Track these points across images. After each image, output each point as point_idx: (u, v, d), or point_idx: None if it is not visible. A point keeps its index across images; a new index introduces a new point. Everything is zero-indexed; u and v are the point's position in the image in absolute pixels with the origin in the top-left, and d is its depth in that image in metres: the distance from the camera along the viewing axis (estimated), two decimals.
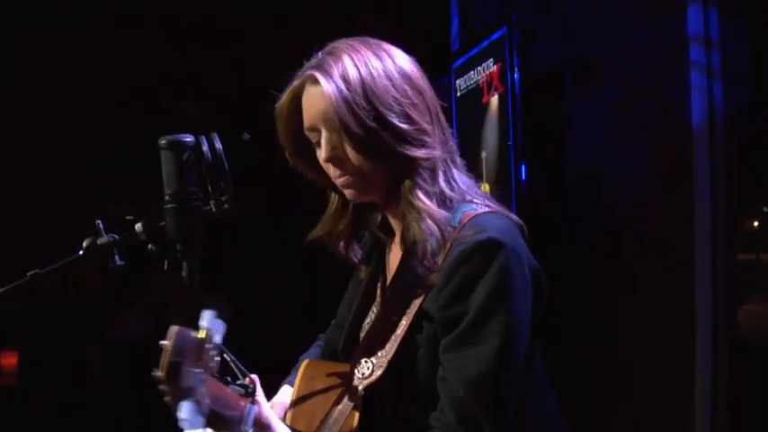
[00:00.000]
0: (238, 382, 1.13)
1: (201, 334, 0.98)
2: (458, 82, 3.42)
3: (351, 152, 1.20)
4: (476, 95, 3.18)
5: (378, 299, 1.37)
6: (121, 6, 5.09)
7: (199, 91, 5.48)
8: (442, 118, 1.27)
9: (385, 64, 1.21)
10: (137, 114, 5.50)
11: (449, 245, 1.15)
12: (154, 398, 0.94)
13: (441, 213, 1.17)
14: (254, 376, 1.17)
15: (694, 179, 2.57)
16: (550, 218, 2.94)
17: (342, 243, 1.38)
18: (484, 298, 1.10)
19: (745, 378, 2.55)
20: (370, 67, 1.19)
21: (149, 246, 1.08)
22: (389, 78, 1.20)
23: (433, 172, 1.21)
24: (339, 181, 1.25)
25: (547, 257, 1.30)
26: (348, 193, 1.26)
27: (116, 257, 1.07)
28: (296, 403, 1.33)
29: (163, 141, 1.07)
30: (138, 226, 1.08)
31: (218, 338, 1.01)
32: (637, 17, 2.73)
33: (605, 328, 2.92)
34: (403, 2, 5.20)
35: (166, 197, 1.07)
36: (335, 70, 1.18)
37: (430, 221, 1.16)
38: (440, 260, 1.15)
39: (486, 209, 1.21)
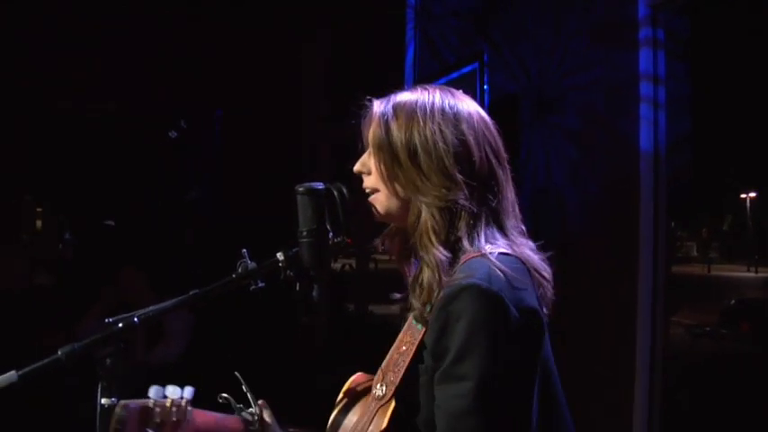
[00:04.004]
0: (249, 410, 1.36)
1: (147, 403, 1.24)
2: None
3: (375, 170, 1.35)
4: None
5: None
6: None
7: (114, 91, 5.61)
8: (497, 178, 1.35)
9: (443, 104, 1.32)
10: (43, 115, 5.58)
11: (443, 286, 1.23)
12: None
13: (445, 257, 1.25)
14: (261, 402, 1.40)
15: (640, 198, 2.91)
16: None
17: (399, 248, 1.46)
18: (462, 338, 1.17)
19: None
20: (426, 103, 1.32)
21: (287, 271, 1.30)
22: (441, 118, 1.30)
23: (454, 217, 1.28)
24: (370, 198, 1.38)
25: None
26: (373, 212, 1.39)
27: (258, 280, 1.30)
28: (336, 411, 1.48)
29: (300, 188, 1.32)
30: (279, 254, 1.31)
31: (180, 395, 1.27)
32: (594, 55, 3.07)
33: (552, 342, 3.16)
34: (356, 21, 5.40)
35: (304, 233, 1.30)
36: (393, 99, 1.35)
37: (434, 264, 1.25)
38: (435, 299, 1.24)
39: (480, 252, 1.25)
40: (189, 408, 1.27)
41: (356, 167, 1.39)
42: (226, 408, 1.36)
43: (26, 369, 1.20)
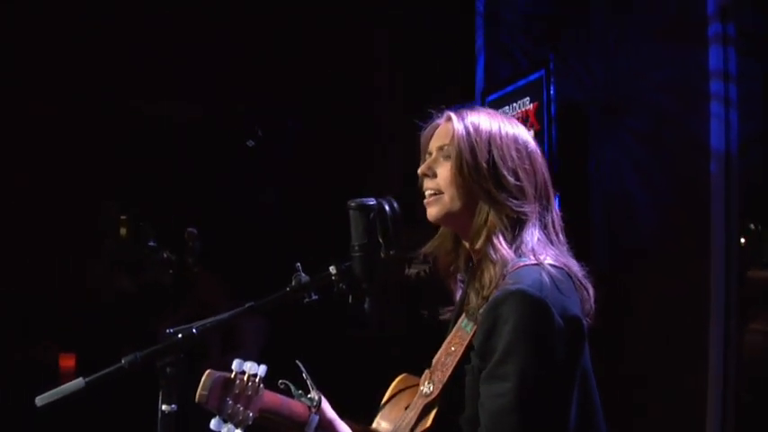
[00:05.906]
0: (309, 395, 1.45)
1: (229, 375, 1.36)
2: None
3: (446, 175, 1.43)
4: None
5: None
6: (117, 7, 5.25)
7: (198, 97, 5.71)
8: (551, 199, 1.46)
9: (515, 131, 1.45)
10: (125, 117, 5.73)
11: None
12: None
13: (510, 257, 1.34)
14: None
15: (711, 198, 2.83)
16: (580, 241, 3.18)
17: (446, 265, 1.57)
18: (507, 340, 1.24)
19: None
20: (501, 127, 1.44)
21: (340, 284, 1.35)
22: (515, 142, 1.43)
23: (520, 226, 1.39)
24: (426, 199, 1.47)
25: None
26: (429, 211, 1.46)
27: (312, 292, 1.34)
28: (383, 407, 1.62)
29: (352, 204, 1.37)
30: (331, 268, 1.36)
31: (257, 371, 1.38)
32: (662, 55, 3.00)
33: (624, 343, 3.11)
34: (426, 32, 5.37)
35: (355, 247, 1.35)
36: (469, 117, 1.45)
37: (500, 261, 1.34)
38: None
39: (532, 261, 1.34)
40: (261, 385, 1.38)
41: (422, 169, 1.47)
42: (286, 393, 1.46)
43: (92, 376, 1.27)
